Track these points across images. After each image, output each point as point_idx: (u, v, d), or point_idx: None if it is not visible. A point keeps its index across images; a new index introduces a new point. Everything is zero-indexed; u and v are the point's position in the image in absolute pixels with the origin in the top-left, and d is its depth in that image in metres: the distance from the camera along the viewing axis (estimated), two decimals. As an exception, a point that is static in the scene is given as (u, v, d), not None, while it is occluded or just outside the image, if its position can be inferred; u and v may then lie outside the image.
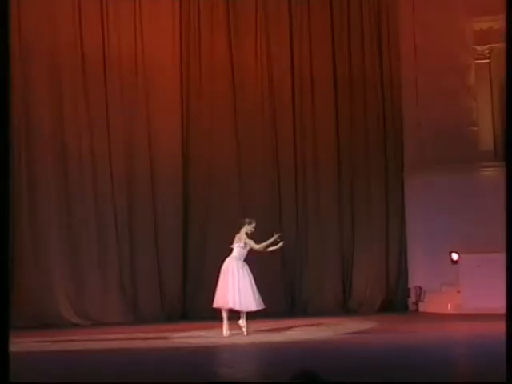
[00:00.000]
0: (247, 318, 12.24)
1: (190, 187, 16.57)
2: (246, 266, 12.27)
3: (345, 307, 16.62)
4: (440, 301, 15.91)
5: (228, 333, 12.13)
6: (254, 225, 12.37)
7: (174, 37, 16.51)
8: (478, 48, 16.73)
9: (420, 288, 16.41)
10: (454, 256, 15.85)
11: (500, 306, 14.41)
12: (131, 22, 16.18)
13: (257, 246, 12.32)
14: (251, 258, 12.48)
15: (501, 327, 10.14)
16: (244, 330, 12.14)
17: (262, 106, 17.02)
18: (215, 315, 12.53)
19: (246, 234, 12.33)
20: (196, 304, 15.79)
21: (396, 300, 16.72)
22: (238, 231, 12.40)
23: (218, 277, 12.27)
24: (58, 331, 13.73)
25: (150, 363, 9.95)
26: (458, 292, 15.71)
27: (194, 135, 16.69)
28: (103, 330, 13.90)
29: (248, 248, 12.30)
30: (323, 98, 17.12)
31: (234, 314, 12.36)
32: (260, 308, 12.20)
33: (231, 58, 16.91)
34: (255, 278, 12.29)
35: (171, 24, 16.51)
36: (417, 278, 16.52)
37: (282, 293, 16.52)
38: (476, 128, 16.68)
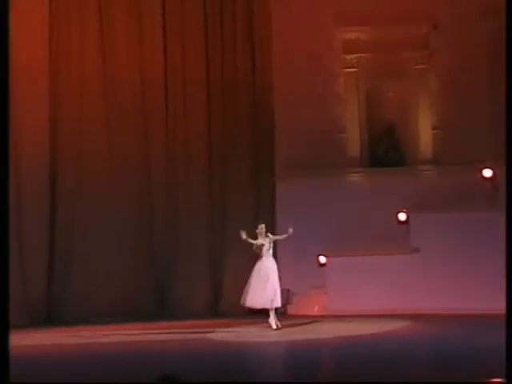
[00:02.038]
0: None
1: (57, 186, 16.33)
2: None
3: (216, 310, 16.67)
4: (307, 303, 16.24)
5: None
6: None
7: (43, 35, 16.18)
8: (347, 57, 17.19)
9: (288, 290, 16.66)
10: (322, 259, 16.23)
11: (366, 308, 15.10)
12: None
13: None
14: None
15: (365, 328, 10.45)
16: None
17: (135, 106, 16.95)
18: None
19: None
20: (61, 308, 15.63)
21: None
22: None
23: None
24: None
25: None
26: (325, 294, 16.09)
27: (62, 135, 16.42)
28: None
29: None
30: (195, 99, 17.19)
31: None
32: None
33: (104, 57, 16.72)
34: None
35: (40, 21, 16.16)
36: (285, 280, 16.67)
37: (151, 293, 16.47)
38: (344, 134, 17.13)
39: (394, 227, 16.13)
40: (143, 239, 16.75)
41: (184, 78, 17.14)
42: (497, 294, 14.94)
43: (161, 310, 16.60)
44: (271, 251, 13.74)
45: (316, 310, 16.06)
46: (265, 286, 13.34)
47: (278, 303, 13.52)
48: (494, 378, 7.36)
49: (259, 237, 13.63)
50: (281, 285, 13.65)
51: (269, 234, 13.72)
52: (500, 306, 14.66)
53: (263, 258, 13.56)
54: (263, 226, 13.74)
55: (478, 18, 16.37)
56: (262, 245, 13.55)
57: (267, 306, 13.36)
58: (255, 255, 13.67)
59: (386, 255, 15.70)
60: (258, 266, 13.54)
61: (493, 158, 15.73)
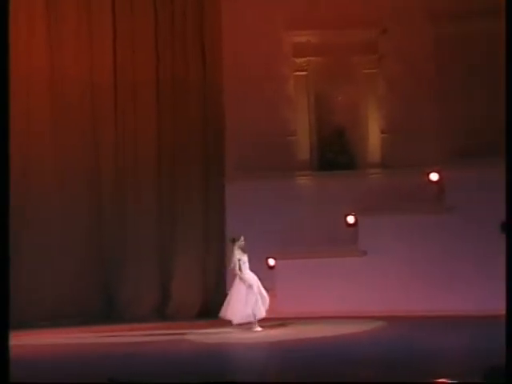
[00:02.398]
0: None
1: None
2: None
3: (163, 312, 16.55)
4: (257, 305, 16.18)
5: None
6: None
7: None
8: (297, 60, 17.25)
9: (237, 293, 16.62)
10: (271, 261, 16.22)
11: (314, 310, 15.13)
12: None
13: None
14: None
15: (313, 331, 10.45)
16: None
17: (83, 107, 16.78)
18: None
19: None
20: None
21: (214, 305, 16.80)
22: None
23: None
24: None
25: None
26: (274, 297, 16.07)
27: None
28: None
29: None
30: (145, 100, 17.07)
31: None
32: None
33: (51, 57, 16.53)
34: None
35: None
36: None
37: (99, 295, 16.31)
38: (294, 137, 17.19)
39: (343, 230, 16.22)
40: (91, 240, 16.57)
41: (134, 79, 17.03)
42: (444, 296, 15.19)
43: (108, 311, 16.42)
44: (247, 265, 13.51)
45: (265, 313, 15.98)
46: (246, 299, 13.15)
47: (261, 314, 13.31)
48: (433, 378, 7.42)
49: (237, 251, 13.39)
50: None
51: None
52: (447, 307, 14.96)
53: (244, 273, 13.37)
54: (242, 238, 13.58)
55: (426, 24, 16.56)
56: (240, 260, 13.33)
57: (250, 319, 13.19)
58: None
59: (335, 258, 15.77)
60: (239, 282, 13.38)
61: (439, 161, 15.92)
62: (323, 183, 16.79)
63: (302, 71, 17.28)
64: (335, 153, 17.13)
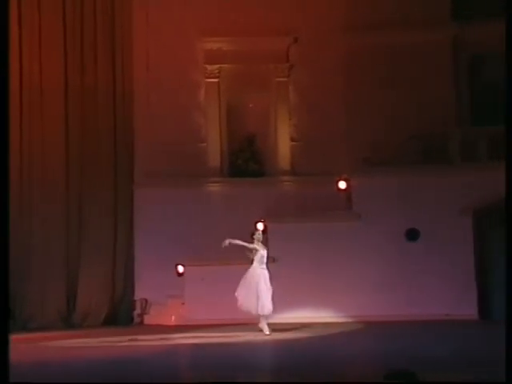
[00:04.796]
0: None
1: None
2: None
3: (68, 321, 16.24)
4: (165, 313, 16.09)
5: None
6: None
7: None
8: (209, 67, 17.24)
9: (146, 300, 16.49)
10: (180, 268, 16.13)
11: (223, 317, 15.06)
12: None
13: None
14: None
15: (220, 337, 10.38)
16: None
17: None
18: None
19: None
20: None
21: (121, 312, 16.63)
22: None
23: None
24: None
25: None
26: (183, 304, 16.00)
27: None
28: None
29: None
30: (53, 109, 16.68)
31: None
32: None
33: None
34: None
35: None
36: (143, 290, 16.57)
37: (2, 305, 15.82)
38: (205, 144, 17.16)
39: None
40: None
41: (41, 86, 16.62)
42: (350, 302, 15.39)
43: (13, 321, 15.97)
44: (265, 260, 13.21)
45: (173, 320, 15.92)
46: (253, 292, 12.91)
47: (263, 311, 12.96)
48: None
49: (256, 242, 13.20)
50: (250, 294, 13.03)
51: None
52: (353, 313, 15.17)
53: (254, 265, 13.12)
54: (260, 231, 13.58)
55: (337, 35, 16.78)
56: (256, 250, 13.11)
57: (253, 312, 12.95)
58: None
59: (244, 265, 15.74)
60: (249, 273, 13.13)
61: (347, 170, 16.14)
62: (233, 190, 16.82)
63: (214, 78, 17.29)
64: (246, 160, 17.17)
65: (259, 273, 13.11)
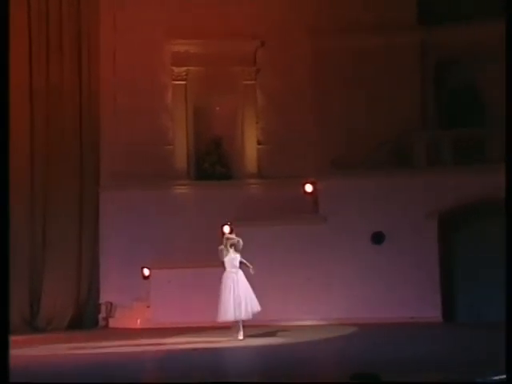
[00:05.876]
0: None
1: None
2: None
3: (32, 325, 16.06)
4: (130, 316, 16.00)
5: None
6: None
7: None
8: (176, 69, 17.20)
9: (111, 303, 16.39)
10: (146, 271, 16.04)
11: (189, 320, 15.01)
12: None
13: None
14: None
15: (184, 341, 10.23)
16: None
17: None
18: None
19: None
20: None
21: (86, 316, 16.49)
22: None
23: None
24: None
25: None
26: (148, 307, 15.91)
27: None
28: None
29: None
30: (18, 109, 16.47)
31: None
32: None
33: None
34: None
35: None
36: (109, 293, 16.46)
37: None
38: (171, 146, 17.10)
39: (219, 240, 16.17)
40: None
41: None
42: (316, 304, 15.41)
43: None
44: (235, 263, 12.86)
45: (138, 323, 15.83)
46: (230, 298, 12.59)
47: (242, 315, 12.68)
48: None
49: (231, 248, 12.87)
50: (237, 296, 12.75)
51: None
52: (320, 316, 15.19)
53: (227, 270, 12.81)
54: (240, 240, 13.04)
55: (304, 38, 16.83)
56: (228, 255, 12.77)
57: (241, 317, 12.59)
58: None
59: (211, 267, 15.67)
60: (224, 279, 12.79)
61: (314, 173, 16.16)
62: (200, 193, 16.79)
63: (181, 80, 17.25)
64: (212, 163, 17.15)
65: (231, 277, 12.82)
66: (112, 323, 16.24)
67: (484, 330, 13.32)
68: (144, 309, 15.90)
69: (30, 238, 16.30)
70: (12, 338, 13.76)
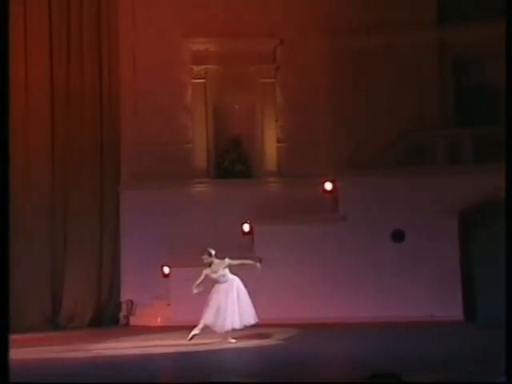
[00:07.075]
0: None
1: None
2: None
3: (54, 322, 16.16)
4: (150, 314, 16.07)
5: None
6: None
7: None
8: (195, 68, 17.22)
9: (131, 302, 16.46)
10: (166, 269, 16.09)
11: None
12: None
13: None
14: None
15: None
16: None
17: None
18: None
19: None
20: None
21: (107, 314, 16.59)
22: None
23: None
24: None
25: None
26: (168, 305, 15.97)
27: None
28: None
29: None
30: (39, 110, 16.59)
31: None
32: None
33: None
34: None
35: None
36: (129, 291, 16.53)
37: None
38: (191, 145, 17.13)
39: (239, 238, 16.23)
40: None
41: (26, 88, 16.52)
42: (336, 303, 15.40)
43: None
44: (224, 278, 12.51)
45: (159, 321, 15.90)
46: (223, 308, 12.37)
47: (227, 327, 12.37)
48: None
49: (213, 265, 12.49)
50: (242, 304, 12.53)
51: (226, 259, 12.52)
52: (343, 315, 15.16)
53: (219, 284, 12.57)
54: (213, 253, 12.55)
55: (322, 36, 16.79)
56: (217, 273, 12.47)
57: (237, 326, 12.31)
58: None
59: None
60: (215, 289, 12.59)
61: (334, 171, 16.15)
62: (220, 191, 16.80)
63: (200, 79, 17.26)
64: (232, 161, 17.16)
65: (225, 287, 12.57)
66: (133, 321, 16.32)
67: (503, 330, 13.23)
68: (164, 307, 15.97)
69: (50, 237, 16.38)
70: (32, 336, 14.03)
